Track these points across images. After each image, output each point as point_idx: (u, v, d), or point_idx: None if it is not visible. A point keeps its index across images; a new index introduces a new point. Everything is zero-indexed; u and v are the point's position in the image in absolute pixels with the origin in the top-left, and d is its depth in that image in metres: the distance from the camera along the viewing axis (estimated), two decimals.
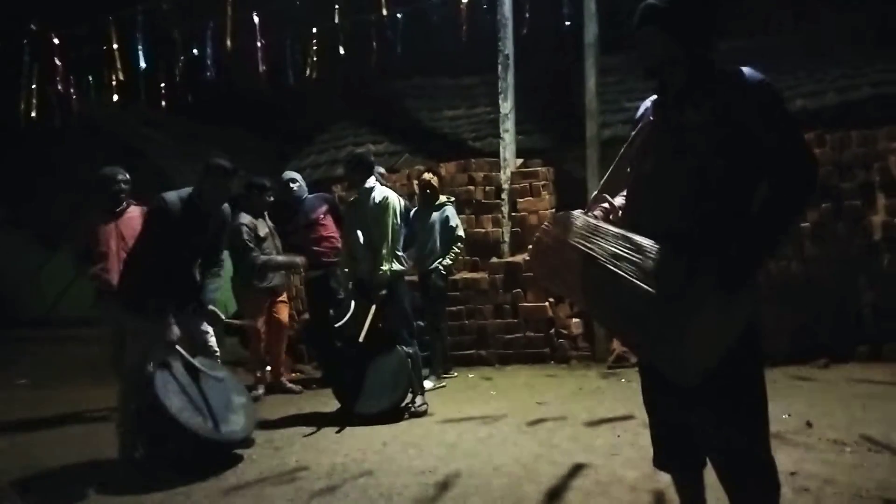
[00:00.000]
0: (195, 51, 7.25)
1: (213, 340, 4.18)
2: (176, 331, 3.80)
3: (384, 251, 4.69)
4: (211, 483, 3.62)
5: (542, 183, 6.86)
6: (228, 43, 7.00)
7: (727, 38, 7.61)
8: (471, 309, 6.73)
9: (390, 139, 8.67)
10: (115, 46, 7.21)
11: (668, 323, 1.88)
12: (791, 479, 3.05)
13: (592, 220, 2.11)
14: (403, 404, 4.78)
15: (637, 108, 2.33)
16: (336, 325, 4.87)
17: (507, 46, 6.96)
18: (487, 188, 7.03)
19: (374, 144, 8.42)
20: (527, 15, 6.56)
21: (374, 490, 3.37)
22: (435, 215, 5.93)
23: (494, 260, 6.82)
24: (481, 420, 4.58)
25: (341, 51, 6.97)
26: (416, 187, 6.56)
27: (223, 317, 4.26)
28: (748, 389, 2.03)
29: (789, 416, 4.05)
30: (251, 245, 5.57)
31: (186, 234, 3.82)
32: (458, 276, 6.69)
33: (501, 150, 7.00)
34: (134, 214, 4.92)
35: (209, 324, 4.07)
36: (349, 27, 6.96)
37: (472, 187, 7.05)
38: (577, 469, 3.47)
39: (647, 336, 2.00)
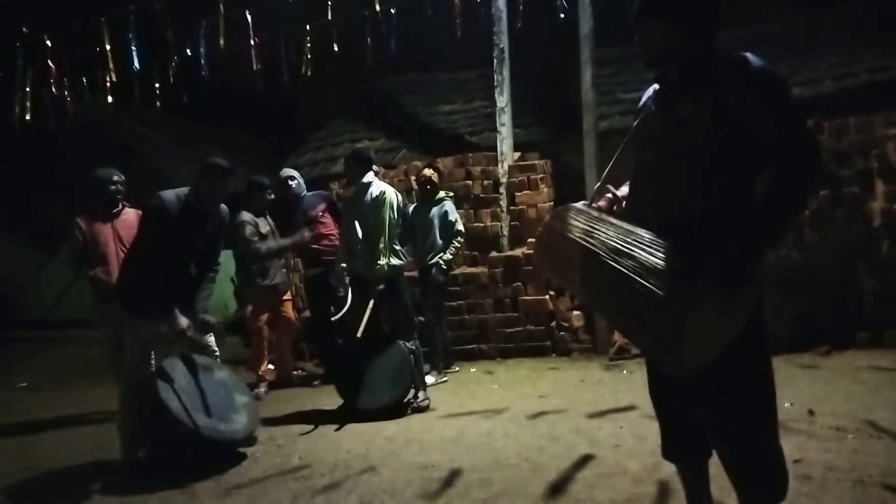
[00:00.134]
0: (189, 50, 7.22)
1: (212, 340, 4.18)
2: (183, 320, 3.78)
3: (381, 246, 4.70)
4: (214, 482, 3.63)
5: (540, 176, 6.84)
6: (222, 42, 6.97)
7: (724, 26, 7.57)
8: (471, 303, 6.73)
9: (387, 135, 8.64)
10: (109, 47, 7.18)
11: (666, 321, 1.85)
12: (794, 466, 3.04)
13: (595, 213, 2.09)
14: (406, 400, 4.79)
15: (634, 99, 2.31)
16: (332, 319, 4.87)
17: (503, 40, 6.93)
18: (485, 182, 7.01)
19: (371, 141, 8.38)
20: (521, 8, 6.54)
21: (378, 486, 3.37)
22: (434, 210, 5.93)
23: (494, 254, 6.81)
24: (484, 414, 4.59)
25: (335, 47, 6.95)
26: (413, 183, 6.55)
27: (216, 325, 4.22)
28: (756, 381, 2.01)
29: (791, 404, 4.05)
30: (253, 238, 5.57)
31: (184, 234, 3.80)
32: (457, 271, 6.68)
33: (498, 143, 6.98)
34: (130, 215, 4.91)
35: (201, 332, 4.01)
36: (343, 24, 6.93)
37: (469, 182, 7.03)
38: (580, 461, 3.46)
39: (645, 333, 1.98)
